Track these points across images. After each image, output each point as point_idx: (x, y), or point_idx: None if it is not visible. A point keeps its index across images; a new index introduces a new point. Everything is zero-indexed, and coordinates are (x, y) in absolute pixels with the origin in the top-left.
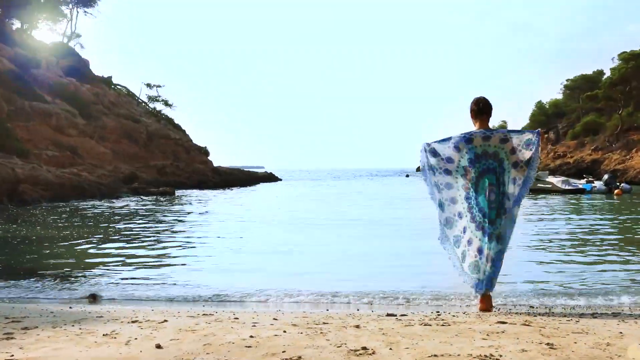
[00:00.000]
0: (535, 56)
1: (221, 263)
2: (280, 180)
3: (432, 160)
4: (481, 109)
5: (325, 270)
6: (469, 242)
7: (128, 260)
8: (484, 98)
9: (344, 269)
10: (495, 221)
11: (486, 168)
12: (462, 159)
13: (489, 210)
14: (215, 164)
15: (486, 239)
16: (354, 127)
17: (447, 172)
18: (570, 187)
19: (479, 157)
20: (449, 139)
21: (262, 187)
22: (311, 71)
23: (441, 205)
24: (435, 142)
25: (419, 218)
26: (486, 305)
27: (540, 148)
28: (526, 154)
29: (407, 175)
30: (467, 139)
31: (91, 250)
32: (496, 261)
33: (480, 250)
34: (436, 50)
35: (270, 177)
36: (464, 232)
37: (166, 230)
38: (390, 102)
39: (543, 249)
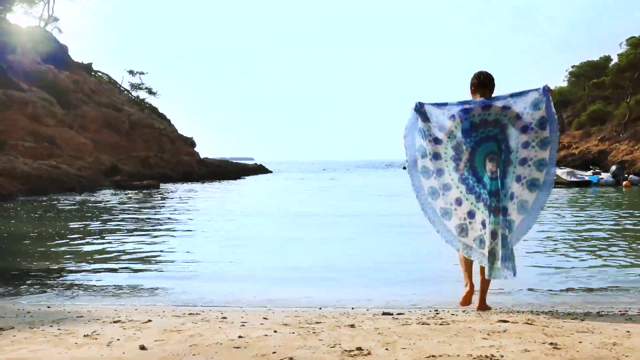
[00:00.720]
0: (539, 42)
1: (208, 260)
2: (271, 172)
3: (422, 124)
4: (482, 82)
5: (319, 268)
6: (471, 215)
7: (109, 257)
8: (486, 72)
9: (338, 265)
10: (498, 193)
11: (485, 136)
12: (456, 129)
13: (490, 181)
14: (202, 156)
15: (489, 214)
16: (348, 118)
17: (437, 141)
18: (575, 179)
19: (477, 126)
20: (445, 104)
21: (252, 179)
22: (304, 60)
23: (426, 172)
24: (430, 104)
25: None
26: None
27: (552, 104)
28: (536, 115)
29: (404, 168)
30: (465, 110)
31: (70, 247)
32: (506, 239)
33: (494, 234)
34: (438, 36)
35: (260, 169)
36: (471, 217)
37: (149, 225)
38: (386, 95)
39: (546, 244)
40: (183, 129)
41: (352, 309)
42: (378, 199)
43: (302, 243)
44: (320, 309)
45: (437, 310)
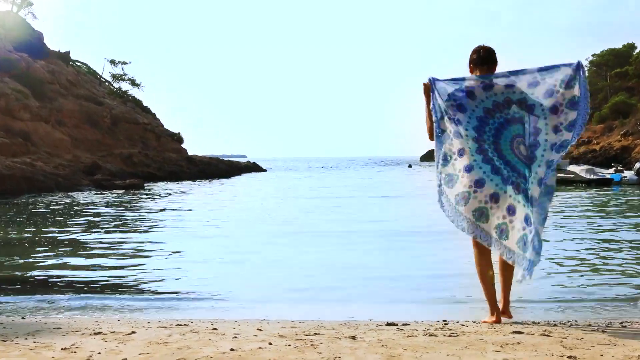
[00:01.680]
0: (556, 27)
1: (196, 267)
2: (265, 170)
3: (440, 101)
4: (482, 57)
5: (320, 277)
6: (510, 210)
7: (89, 264)
8: (486, 45)
9: (340, 275)
10: (527, 179)
11: (510, 117)
12: (478, 108)
13: (522, 164)
14: (191, 153)
15: (519, 195)
16: (347, 114)
17: (457, 121)
18: (595, 177)
19: (499, 106)
20: (462, 79)
21: (245, 179)
22: (300, 53)
23: (445, 158)
24: (444, 80)
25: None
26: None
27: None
28: (567, 94)
29: (410, 166)
30: (487, 85)
31: (46, 252)
32: (531, 223)
33: (527, 219)
34: (440, 17)
35: (253, 167)
36: (494, 200)
37: (133, 230)
38: (387, 90)
39: (563, 249)
40: (169, 124)
41: (353, 318)
42: (394, 203)
43: (311, 260)
44: (319, 318)
45: (445, 321)
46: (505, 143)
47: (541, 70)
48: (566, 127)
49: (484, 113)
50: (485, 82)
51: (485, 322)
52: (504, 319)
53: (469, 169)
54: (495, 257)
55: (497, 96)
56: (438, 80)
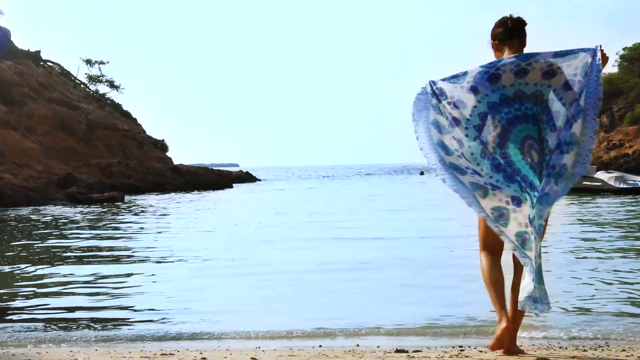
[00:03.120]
0: (583, 18)
1: (183, 292)
2: (259, 180)
3: (435, 101)
4: (510, 30)
5: (318, 296)
6: (516, 200)
7: (63, 290)
8: (514, 16)
9: (342, 295)
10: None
11: (520, 114)
12: (480, 104)
13: (530, 171)
14: (176, 162)
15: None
16: (346, 117)
17: (456, 122)
18: (626, 186)
19: (509, 100)
20: (464, 74)
21: (237, 191)
22: (296, 56)
23: (445, 148)
24: (443, 79)
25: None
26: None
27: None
28: (586, 83)
29: (422, 173)
30: (492, 75)
31: (11, 275)
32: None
33: (531, 221)
34: (452, 11)
35: (246, 177)
36: (516, 203)
37: (112, 249)
38: (387, 94)
39: (590, 263)
40: (153, 130)
41: (358, 345)
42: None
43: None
44: (321, 346)
45: (461, 347)
46: (514, 145)
47: (557, 55)
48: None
49: (499, 101)
50: (521, 65)
51: (495, 338)
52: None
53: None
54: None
55: (527, 86)
56: (438, 81)
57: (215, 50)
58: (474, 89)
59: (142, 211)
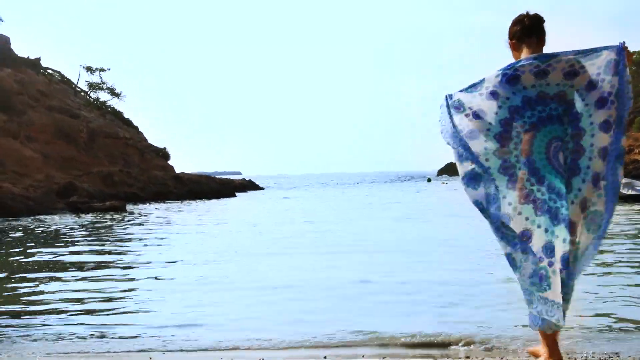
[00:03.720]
0: (589, 20)
1: (186, 306)
2: (262, 189)
3: (457, 118)
4: (528, 27)
5: (325, 309)
6: (525, 236)
7: (60, 307)
8: (531, 13)
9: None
10: (567, 196)
11: (545, 116)
12: (501, 110)
13: (555, 178)
14: (178, 170)
15: (557, 226)
16: (351, 125)
17: (473, 133)
18: (634, 193)
19: (531, 103)
20: (481, 81)
21: (240, 200)
22: (299, 55)
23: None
24: (461, 90)
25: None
26: (551, 351)
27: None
28: (615, 82)
29: (429, 180)
30: (511, 77)
31: (9, 289)
32: (571, 267)
33: (548, 249)
34: (457, 12)
35: (249, 186)
36: (525, 238)
37: (112, 262)
38: (393, 100)
39: (617, 272)
40: (154, 139)
41: (363, 356)
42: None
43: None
44: (325, 358)
45: None
46: (539, 149)
47: (579, 53)
48: (618, 123)
49: (521, 104)
50: (540, 67)
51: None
52: None
53: (493, 200)
54: None
55: (549, 87)
56: (455, 93)
57: (218, 57)
58: (493, 94)
59: (145, 221)
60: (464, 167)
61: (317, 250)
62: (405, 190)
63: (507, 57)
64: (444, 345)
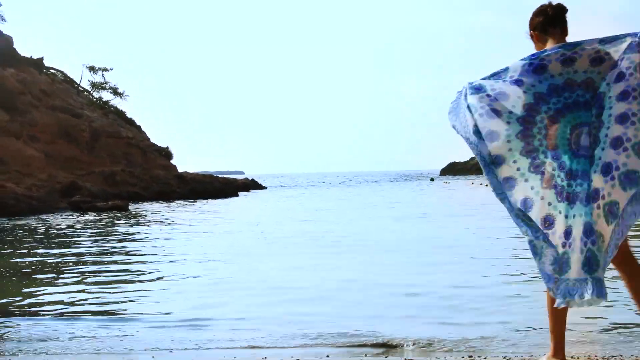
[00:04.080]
0: (594, 18)
1: (191, 307)
2: (265, 188)
3: (473, 98)
4: (551, 17)
5: (321, 306)
6: (548, 221)
7: (64, 306)
8: (554, 2)
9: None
10: (589, 177)
11: (571, 102)
12: (526, 95)
13: (575, 161)
14: (181, 170)
15: (575, 207)
16: (349, 125)
17: (494, 112)
18: None
19: (558, 90)
20: (505, 69)
21: (243, 199)
22: (301, 54)
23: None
24: (483, 78)
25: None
26: (556, 350)
27: None
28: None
29: (432, 179)
30: (537, 66)
31: (14, 288)
32: (602, 242)
33: (568, 234)
34: (459, 12)
35: (252, 185)
36: (527, 206)
37: (115, 262)
38: (397, 99)
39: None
40: (157, 138)
41: (365, 356)
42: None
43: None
44: (328, 356)
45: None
46: (562, 134)
47: (602, 41)
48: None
49: (547, 91)
50: (567, 54)
51: None
52: None
53: (511, 184)
54: None
55: (576, 74)
56: (475, 81)
57: (221, 57)
58: (518, 82)
59: (148, 221)
60: (486, 148)
61: (320, 249)
62: (409, 190)
63: (507, 57)
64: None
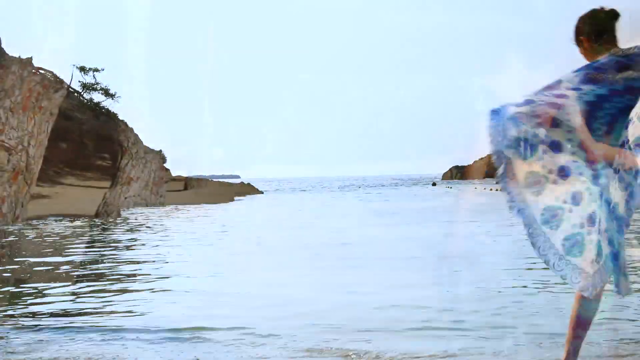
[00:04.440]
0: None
1: (189, 315)
2: (262, 193)
3: (513, 131)
4: (603, 26)
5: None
6: (575, 198)
7: (66, 308)
8: (606, 8)
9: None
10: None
11: (624, 107)
12: (580, 100)
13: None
14: (174, 174)
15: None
16: (348, 128)
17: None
18: None
19: (614, 96)
20: (558, 82)
21: (239, 204)
22: (299, 52)
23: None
24: (535, 92)
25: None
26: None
27: None
28: None
29: (434, 184)
30: (591, 77)
31: (11, 293)
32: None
33: (592, 218)
34: (465, 12)
35: (248, 190)
36: (591, 223)
37: (107, 270)
38: (387, 100)
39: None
40: (150, 141)
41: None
42: None
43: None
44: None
45: None
46: (617, 133)
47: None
48: None
49: (602, 97)
50: (622, 61)
51: None
52: None
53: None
54: None
55: (634, 80)
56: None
57: (215, 57)
58: (574, 89)
59: (140, 226)
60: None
61: (321, 261)
62: (411, 195)
63: (508, 58)
64: None
